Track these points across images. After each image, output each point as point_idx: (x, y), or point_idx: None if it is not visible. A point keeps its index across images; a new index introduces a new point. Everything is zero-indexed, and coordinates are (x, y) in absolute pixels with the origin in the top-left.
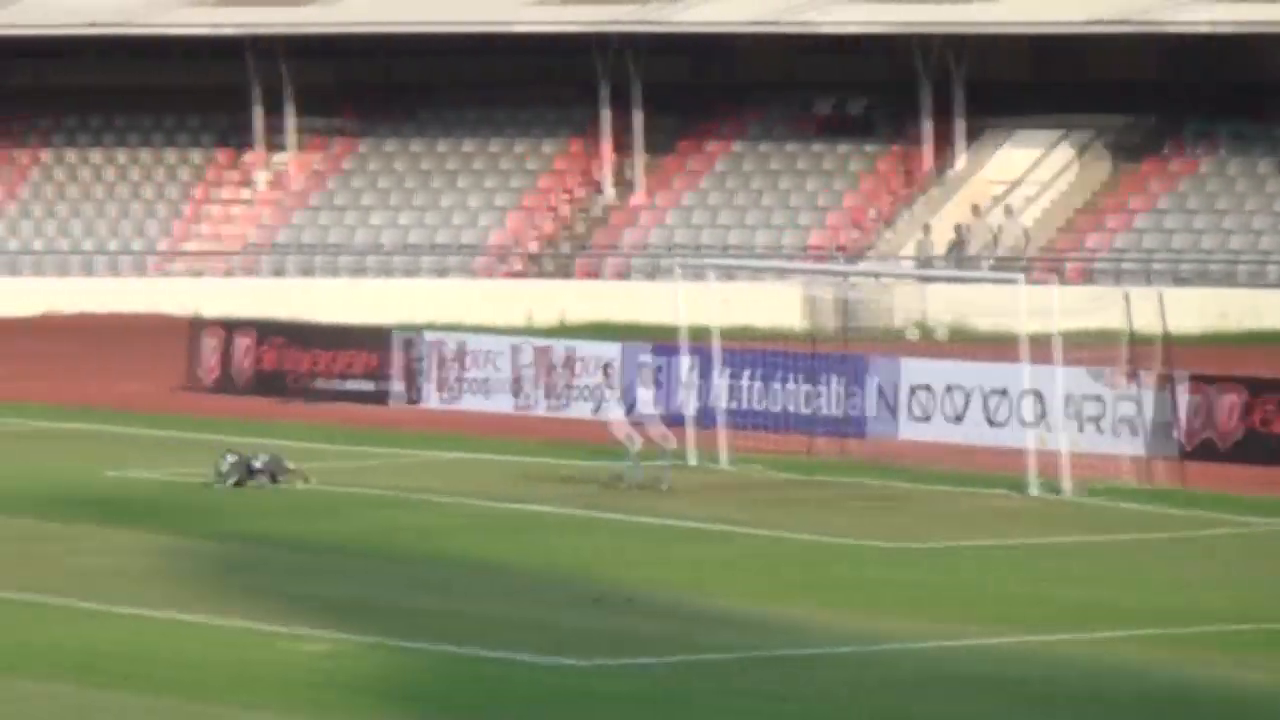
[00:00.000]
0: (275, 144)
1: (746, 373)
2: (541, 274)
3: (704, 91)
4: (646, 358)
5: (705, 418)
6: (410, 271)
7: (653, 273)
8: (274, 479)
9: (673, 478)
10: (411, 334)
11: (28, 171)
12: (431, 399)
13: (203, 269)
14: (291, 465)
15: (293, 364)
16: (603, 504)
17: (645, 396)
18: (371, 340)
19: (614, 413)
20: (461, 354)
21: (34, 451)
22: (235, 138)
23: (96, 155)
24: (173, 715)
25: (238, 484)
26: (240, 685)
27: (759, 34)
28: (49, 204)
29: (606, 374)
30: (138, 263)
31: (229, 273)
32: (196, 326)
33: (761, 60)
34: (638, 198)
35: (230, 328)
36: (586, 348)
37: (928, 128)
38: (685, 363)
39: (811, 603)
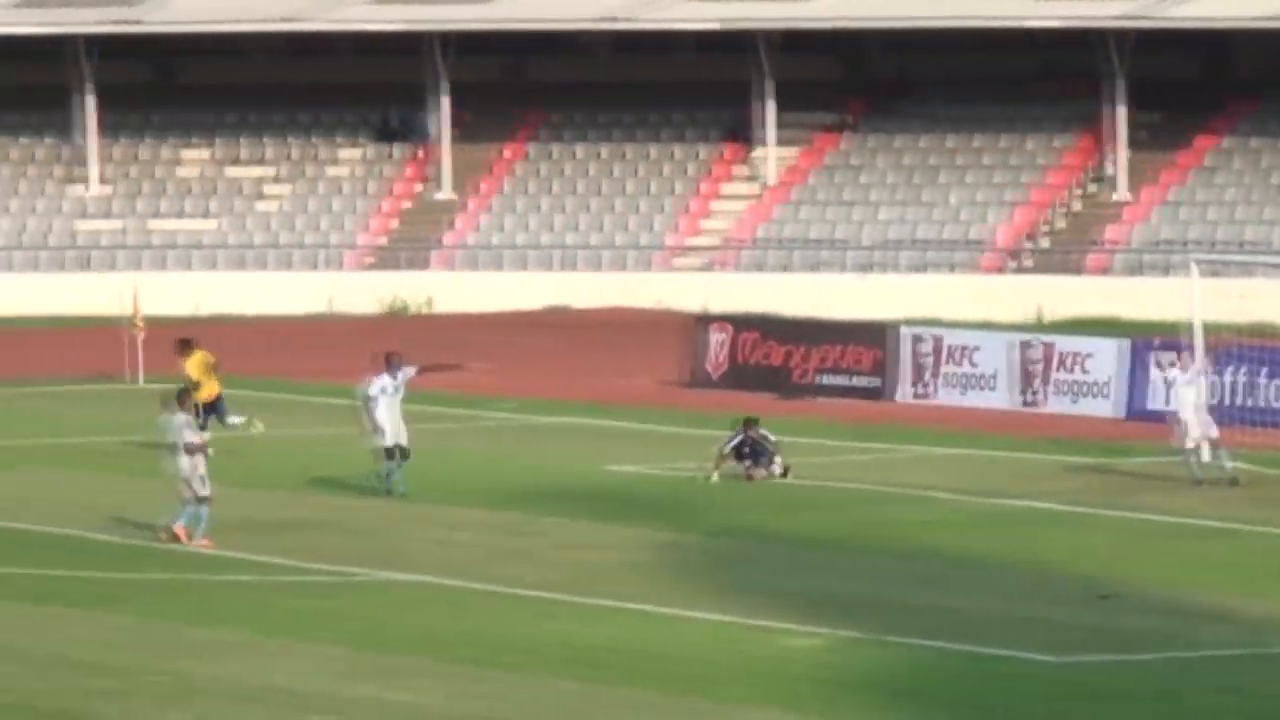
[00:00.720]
0: (781, 139)
1: (1264, 370)
2: (1036, 269)
3: (1201, 88)
4: (1176, 354)
5: (1217, 415)
6: (914, 267)
7: (1137, 268)
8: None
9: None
10: (913, 329)
11: (536, 166)
12: (931, 394)
13: (708, 264)
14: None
15: (797, 359)
16: (1102, 500)
17: (1186, 395)
18: (874, 336)
19: (1186, 411)
20: (962, 349)
21: (536, 446)
22: (740, 132)
23: (604, 150)
24: (676, 712)
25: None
26: (741, 681)
27: (1261, 29)
28: (557, 198)
29: (1173, 366)
30: (643, 258)
31: (733, 267)
32: (701, 321)
33: (1259, 56)
34: (1121, 193)
35: (735, 323)
36: (1086, 343)
37: None
38: (1199, 359)
39: None
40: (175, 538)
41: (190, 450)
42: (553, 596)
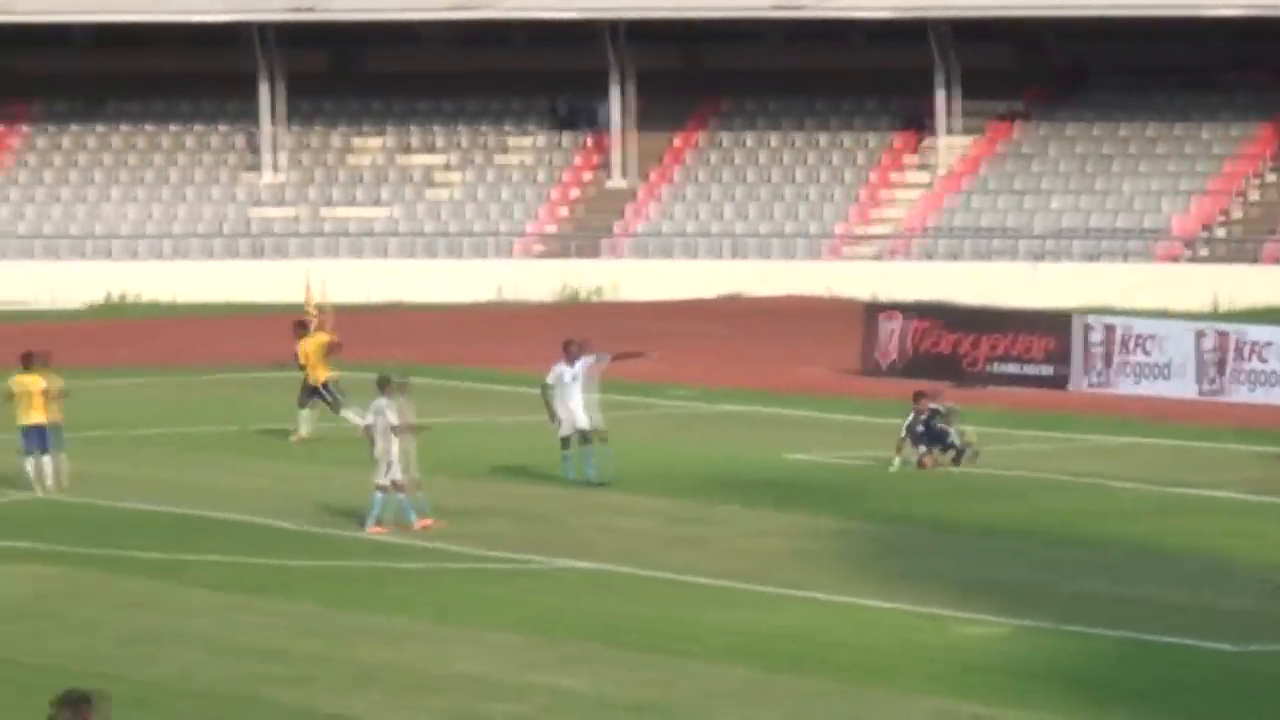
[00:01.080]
0: (954, 127)
1: None
2: (1212, 258)
3: None
4: None
5: None
6: (1088, 256)
7: None
8: None
9: None
10: (1089, 318)
11: (708, 155)
12: (1108, 383)
13: (879, 253)
14: None
15: (969, 348)
16: None
17: None
18: (1049, 324)
19: None
20: (1139, 338)
21: (715, 434)
22: (913, 121)
23: (776, 138)
24: (849, 700)
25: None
26: (915, 670)
27: None
28: (729, 187)
29: None
30: (813, 246)
31: (904, 256)
32: (873, 310)
33: None
34: None
35: (907, 311)
36: (1265, 332)
37: None
38: None
39: None
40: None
41: (396, 432)
42: (727, 584)
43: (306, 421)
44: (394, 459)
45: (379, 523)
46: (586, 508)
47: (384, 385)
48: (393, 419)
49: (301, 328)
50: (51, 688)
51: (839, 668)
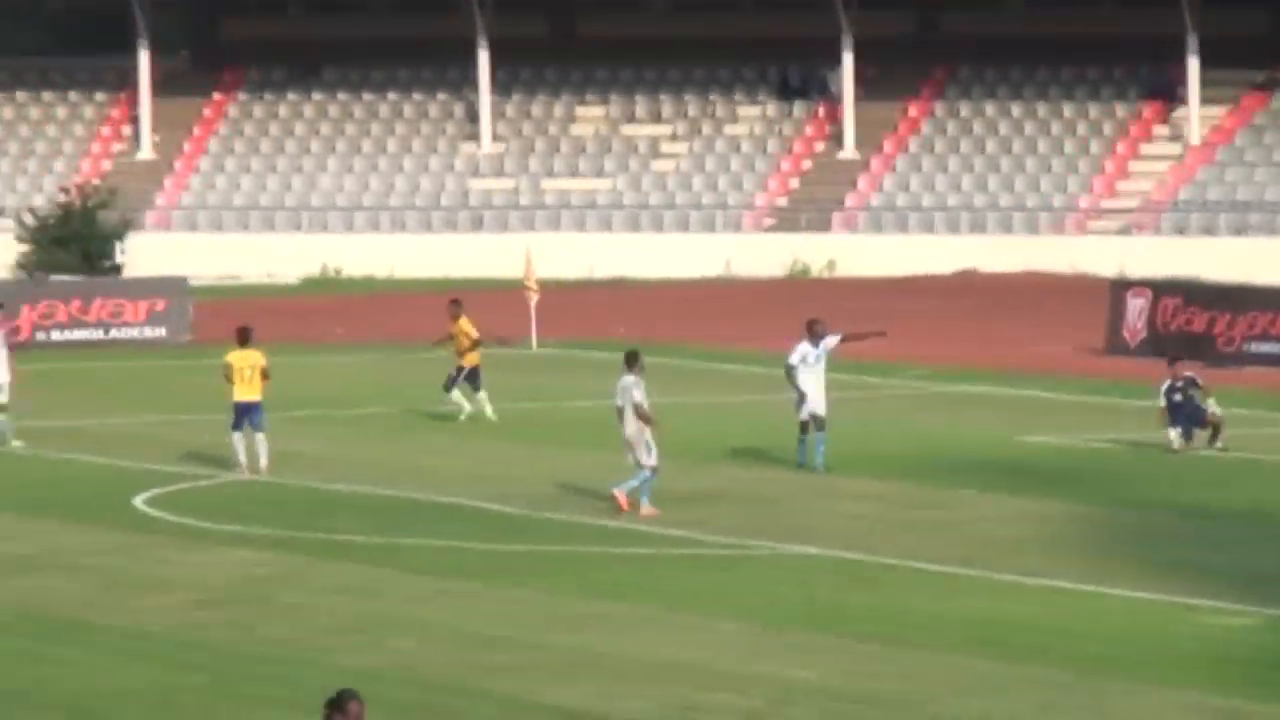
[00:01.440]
0: (1205, 97)
1: None
2: None
3: None
4: None
5: None
6: None
7: None
8: None
9: None
10: None
11: (943, 124)
12: None
13: (1125, 227)
14: None
15: (1224, 326)
16: None
17: None
18: None
19: None
20: None
21: (947, 415)
22: (1161, 90)
23: (1016, 108)
24: (1091, 692)
25: None
26: (1161, 661)
27: None
28: (965, 158)
29: None
30: (1056, 220)
31: (1152, 231)
32: (1119, 286)
33: None
34: None
35: (1156, 288)
36: None
37: None
38: None
39: None
40: (616, 504)
41: (639, 415)
42: (961, 571)
43: (478, 402)
44: (649, 439)
45: (649, 504)
46: (815, 491)
47: (632, 361)
48: (638, 397)
49: (457, 307)
50: (257, 676)
51: (1080, 659)
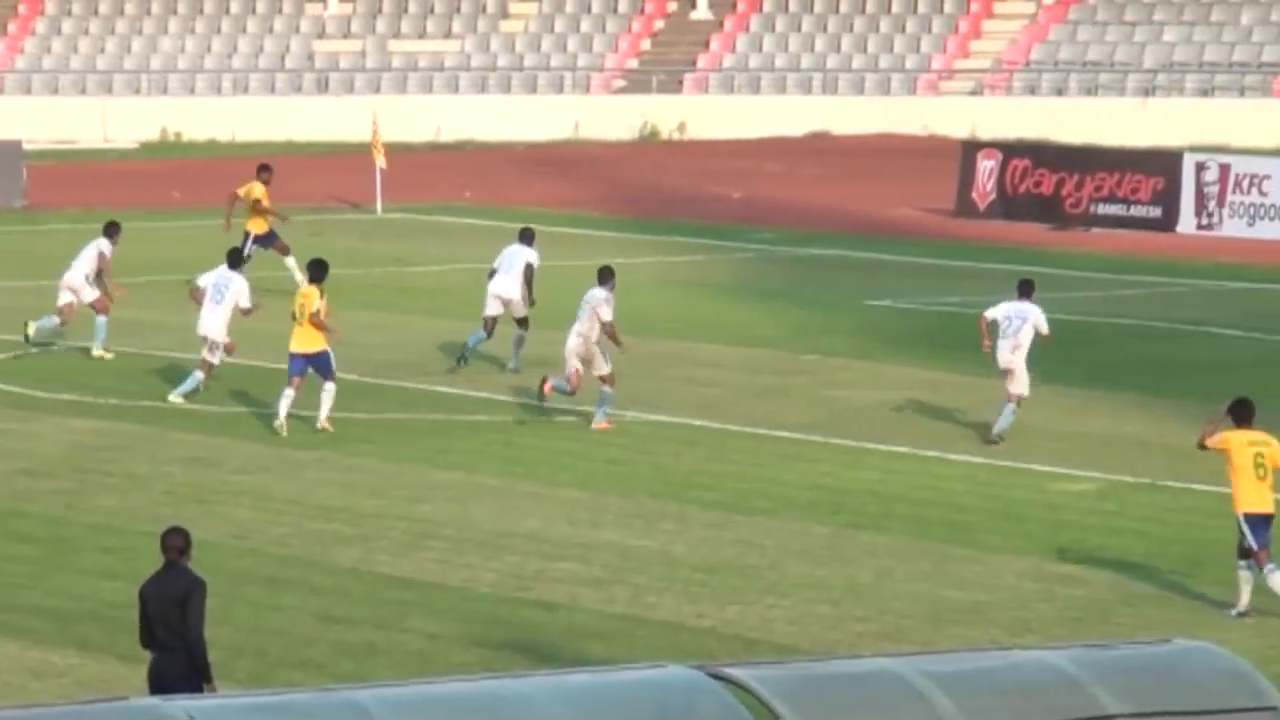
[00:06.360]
0: None
1: None
2: None
3: None
4: None
5: None
6: (1201, 91)
7: None
8: None
9: None
10: (1199, 156)
11: None
12: (1217, 224)
13: (977, 87)
14: None
15: (1073, 188)
16: None
17: None
18: (1156, 163)
19: None
20: (1252, 178)
21: (797, 278)
22: None
23: None
24: (928, 558)
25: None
26: (1001, 528)
27: None
28: (819, 18)
29: None
30: (908, 81)
31: (1004, 91)
32: (970, 148)
33: None
34: None
35: (1005, 149)
36: None
37: None
38: None
39: None
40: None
41: (608, 334)
42: (805, 438)
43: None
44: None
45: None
46: (663, 358)
47: (605, 277)
48: (607, 315)
49: (265, 171)
50: (89, 547)
51: (921, 524)
